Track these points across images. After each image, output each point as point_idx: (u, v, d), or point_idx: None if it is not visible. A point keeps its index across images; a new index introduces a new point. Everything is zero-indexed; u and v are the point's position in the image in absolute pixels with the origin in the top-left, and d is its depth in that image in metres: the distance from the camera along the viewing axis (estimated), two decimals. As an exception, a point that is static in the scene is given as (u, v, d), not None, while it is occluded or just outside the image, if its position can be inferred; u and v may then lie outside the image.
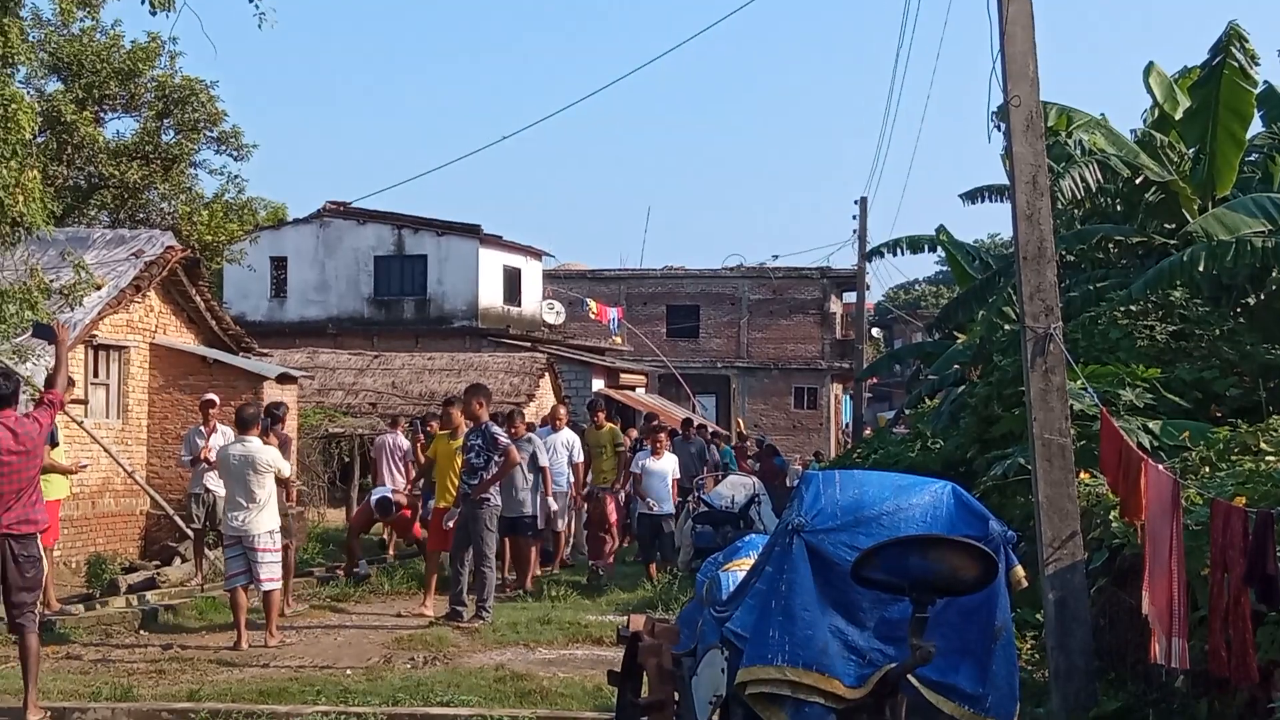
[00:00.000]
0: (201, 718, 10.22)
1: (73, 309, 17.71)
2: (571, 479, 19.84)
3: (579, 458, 19.82)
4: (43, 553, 10.72)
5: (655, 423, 23.09)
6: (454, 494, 15.59)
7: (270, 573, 13.91)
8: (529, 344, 42.15)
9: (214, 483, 17.40)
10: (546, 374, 34.78)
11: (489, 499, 15.07)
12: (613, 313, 51.93)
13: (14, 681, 11.20)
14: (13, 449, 9.94)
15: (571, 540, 21.20)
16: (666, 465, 19.16)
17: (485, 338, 42.33)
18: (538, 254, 47.57)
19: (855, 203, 47.82)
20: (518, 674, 11.90)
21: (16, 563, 10.02)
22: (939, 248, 29.16)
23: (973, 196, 25.70)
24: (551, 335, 46.82)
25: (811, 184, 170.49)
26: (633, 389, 46.79)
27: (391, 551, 21.20)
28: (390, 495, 19.03)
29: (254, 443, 14.06)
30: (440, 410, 17.54)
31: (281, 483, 14.42)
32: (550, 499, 18.55)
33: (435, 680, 11.61)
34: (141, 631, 14.79)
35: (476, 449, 15.09)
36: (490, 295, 43.66)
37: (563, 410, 20.86)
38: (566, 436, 19.91)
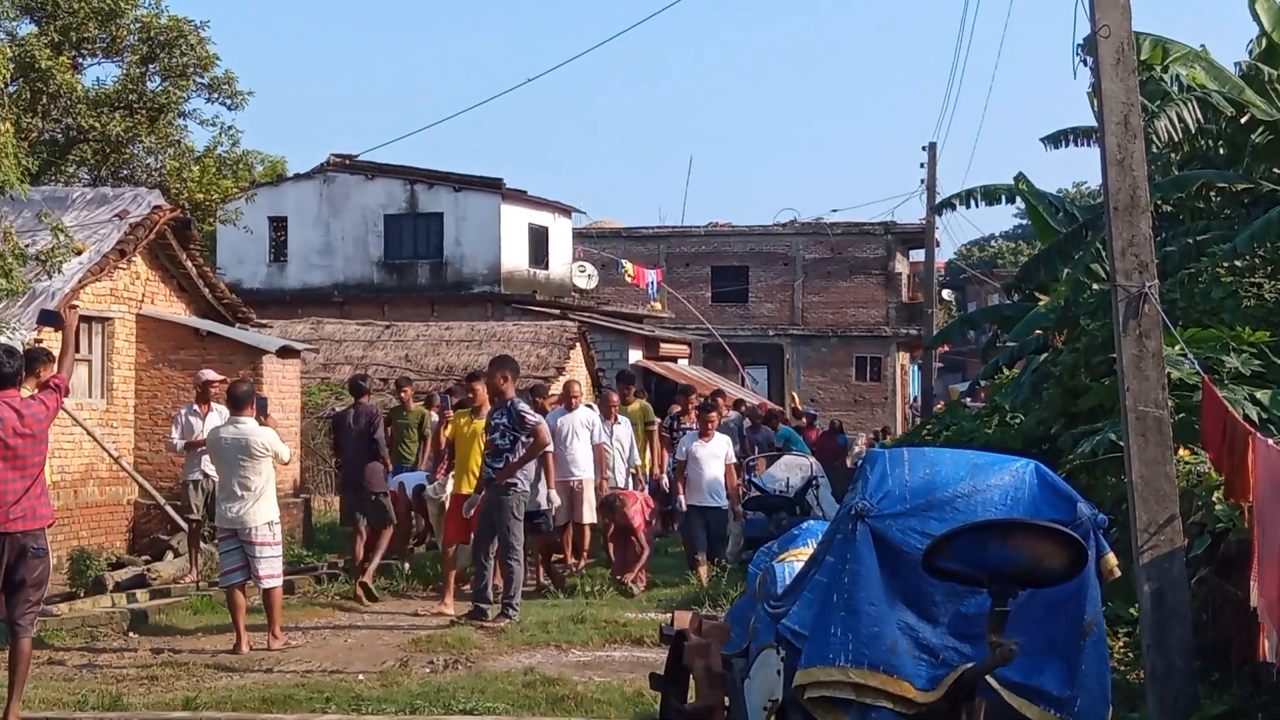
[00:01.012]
0: (198, 728, 10.27)
1: (50, 276, 17.83)
2: (596, 463, 19.10)
3: (601, 438, 19.04)
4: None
5: (694, 396, 22.85)
6: (475, 479, 15.64)
7: (270, 568, 13.97)
8: (558, 311, 42.19)
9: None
10: (578, 344, 34.78)
11: (515, 484, 15.08)
12: (651, 275, 51.91)
13: (-7, 690, 11.32)
14: (20, 431, 10.03)
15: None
16: (719, 448, 18.49)
17: (509, 304, 42.40)
18: (567, 210, 47.58)
19: (923, 149, 47.51)
20: (549, 678, 11.93)
21: (26, 558, 10.11)
22: (1017, 198, 28.98)
23: (1056, 140, 25.51)
24: (583, 301, 46.89)
25: (874, 129, 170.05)
26: (674, 360, 46.82)
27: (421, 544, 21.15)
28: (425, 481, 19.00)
29: (248, 424, 14.10)
30: (461, 386, 17.62)
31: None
32: (552, 491, 16.44)
33: (457, 686, 11.64)
34: (131, 633, 14.89)
35: (502, 429, 15.09)
36: (514, 257, 43.70)
37: (577, 386, 19.88)
38: (584, 416, 19.10)
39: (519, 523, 15.16)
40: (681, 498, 18.51)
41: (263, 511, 13.92)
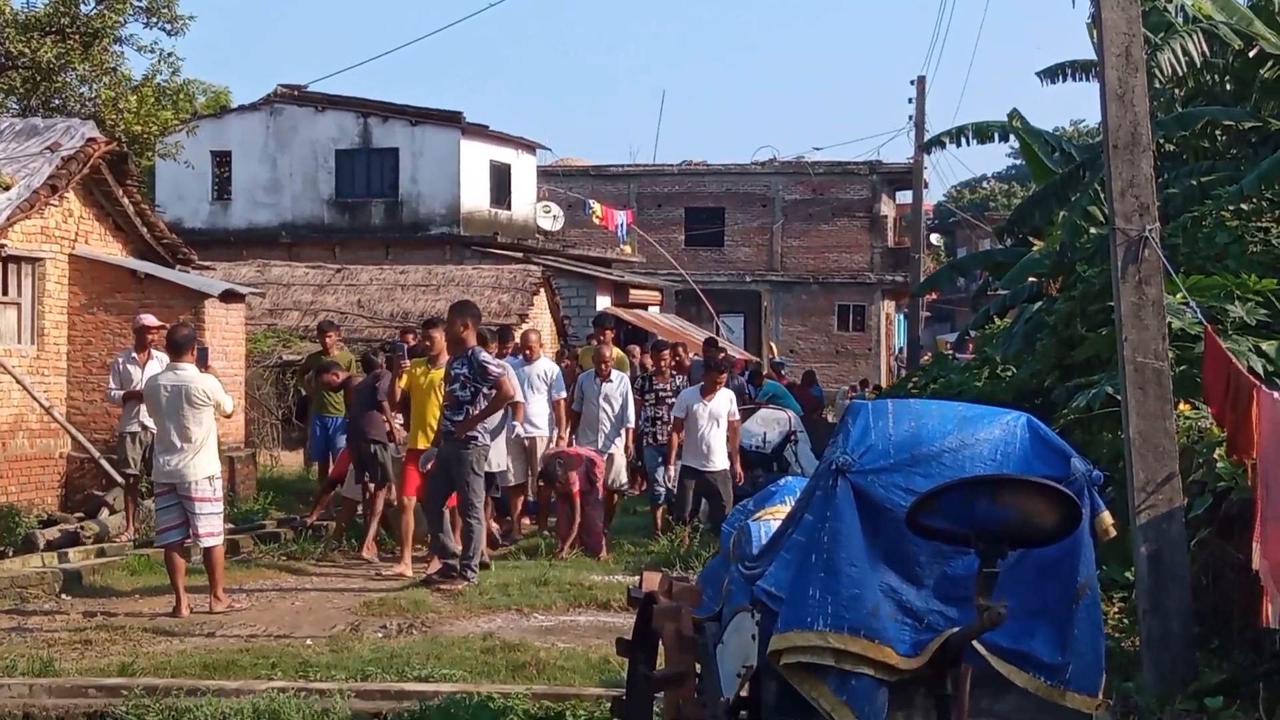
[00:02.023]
0: (136, 695, 10.27)
1: (-24, 213, 17.71)
2: (553, 420, 19.20)
3: (560, 393, 19.13)
4: None
5: (671, 351, 22.24)
6: (433, 433, 15.63)
7: (210, 525, 13.95)
8: (521, 254, 42.07)
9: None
10: (542, 290, 34.71)
11: (476, 438, 15.08)
12: (621, 216, 51.83)
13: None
14: None
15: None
16: (721, 407, 18.27)
17: (468, 247, 42.27)
18: (531, 147, 47.43)
19: (911, 83, 47.46)
20: (509, 644, 11.99)
21: None
22: (1011, 136, 28.97)
23: (1053, 74, 25.52)
24: (548, 244, 46.76)
25: (859, 62, 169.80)
26: (645, 308, 46.79)
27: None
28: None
29: (188, 370, 14.06)
30: (417, 334, 17.60)
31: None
32: (505, 455, 17.34)
33: (411, 651, 11.69)
34: (63, 595, 14.92)
35: (462, 379, 15.06)
36: (475, 196, 43.58)
37: (535, 335, 19.94)
38: (543, 368, 19.28)
39: (479, 478, 15.17)
40: (669, 467, 18.48)
41: (203, 465, 13.89)
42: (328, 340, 21.66)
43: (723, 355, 22.48)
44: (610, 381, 19.15)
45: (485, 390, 15.01)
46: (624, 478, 19.53)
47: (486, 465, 15.66)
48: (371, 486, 17.85)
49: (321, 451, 20.41)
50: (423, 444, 15.85)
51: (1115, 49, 9.99)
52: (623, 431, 19.05)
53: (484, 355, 15.31)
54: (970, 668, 5.92)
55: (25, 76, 29.63)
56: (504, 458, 17.48)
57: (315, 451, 20.99)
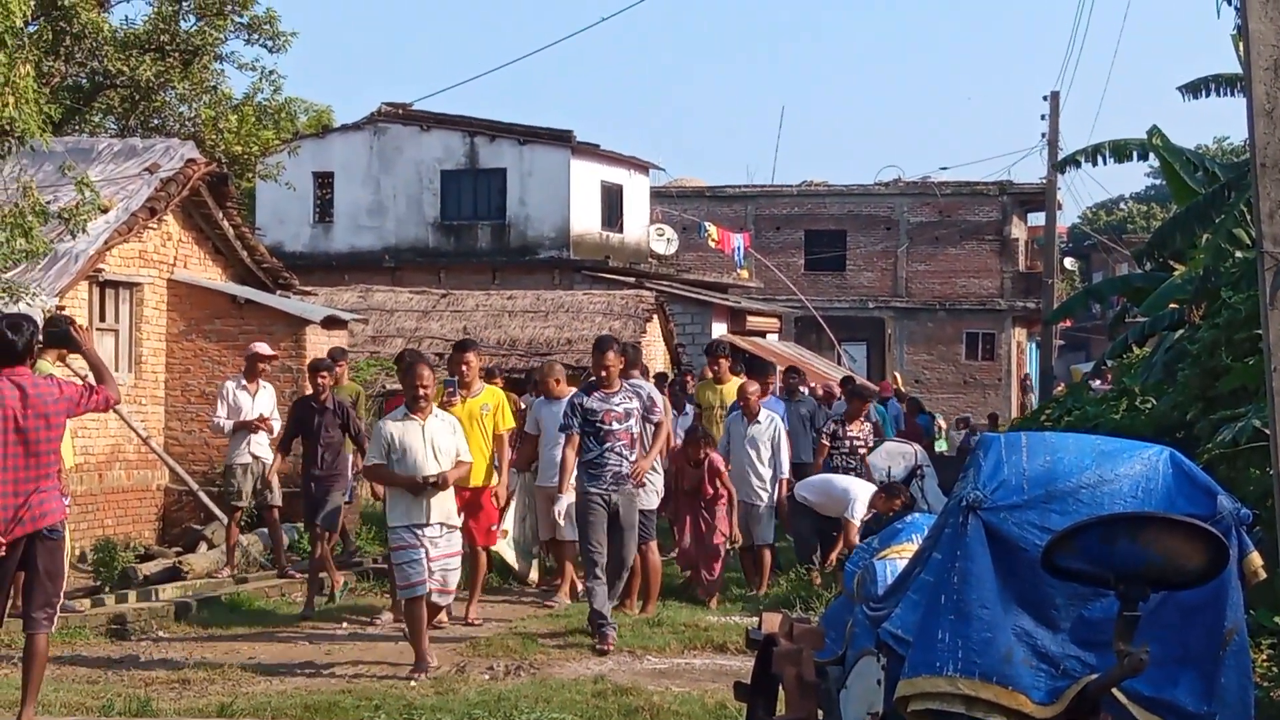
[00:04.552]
0: (234, 736, 10.36)
1: (74, 236, 18.00)
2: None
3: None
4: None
5: (774, 377, 21.65)
6: (487, 468, 15.30)
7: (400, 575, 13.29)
8: (633, 279, 42.20)
9: (265, 449, 17.75)
10: (655, 316, 34.81)
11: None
12: (738, 240, 51.85)
13: (8, 692, 11.46)
14: (25, 411, 9.95)
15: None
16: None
17: (579, 271, 42.45)
18: (644, 167, 47.58)
19: (1044, 99, 47.18)
20: (621, 687, 11.97)
21: (38, 542, 10.14)
22: (1150, 155, 28.76)
23: (1195, 89, 25.34)
24: (661, 268, 46.89)
25: (989, 77, 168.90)
26: (763, 335, 46.79)
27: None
28: None
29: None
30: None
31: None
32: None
33: (519, 694, 11.70)
34: (161, 632, 15.07)
35: (635, 415, 14.62)
36: (585, 219, 43.76)
37: (559, 368, 17.75)
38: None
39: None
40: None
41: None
42: (338, 370, 19.48)
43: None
44: (759, 423, 17.92)
45: (652, 422, 14.95)
46: (770, 535, 18.18)
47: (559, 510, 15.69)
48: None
49: None
50: (474, 482, 14.95)
51: (1263, 62, 9.89)
52: (777, 483, 17.94)
53: (649, 385, 15.20)
54: (1110, 717, 5.87)
55: (124, 96, 30.11)
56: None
57: None
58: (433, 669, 12.70)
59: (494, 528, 15.92)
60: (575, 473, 14.54)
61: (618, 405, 14.37)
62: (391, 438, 13.00)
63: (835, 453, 19.10)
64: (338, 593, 16.49)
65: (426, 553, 12.82)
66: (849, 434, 19.21)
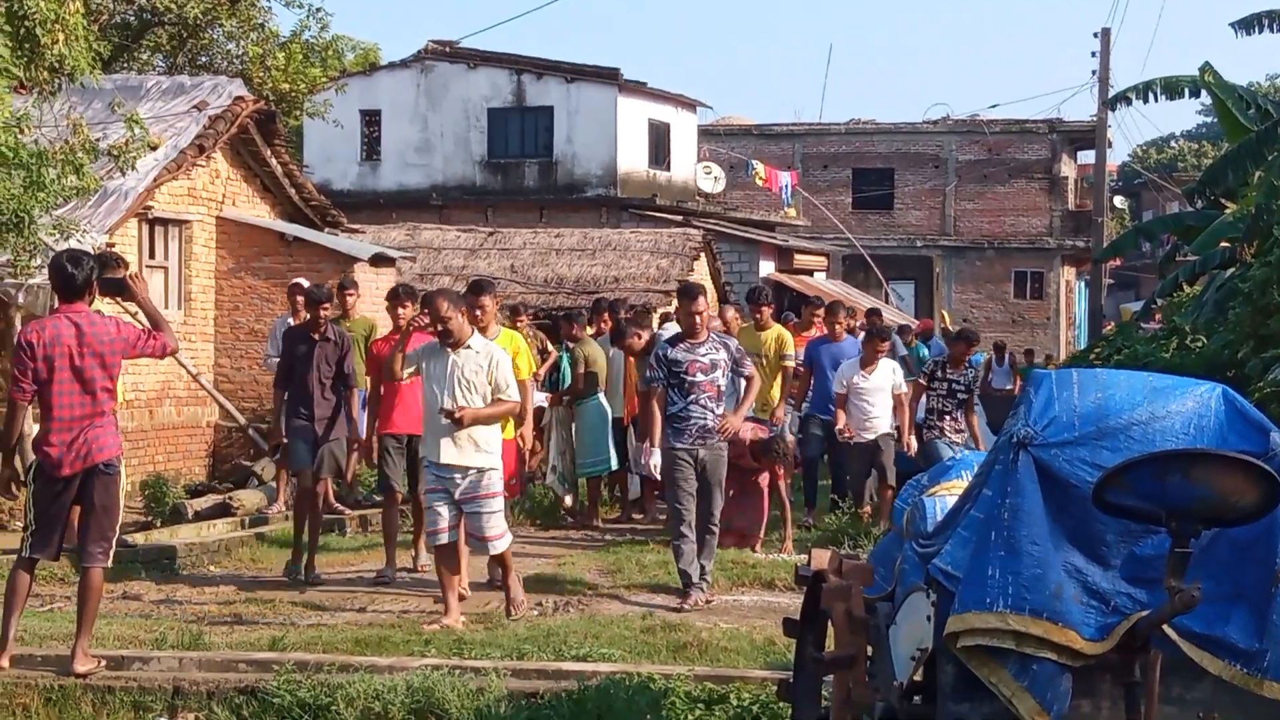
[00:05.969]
0: (287, 670, 10.37)
1: (124, 174, 18.05)
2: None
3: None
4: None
5: (860, 321, 21.02)
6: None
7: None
8: (680, 217, 42.14)
9: None
10: (702, 255, 34.73)
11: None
12: (785, 178, 51.70)
13: (63, 624, 11.59)
14: (80, 349, 10.08)
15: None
16: (883, 380, 17.63)
17: (626, 209, 42.42)
18: (691, 105, 47.44)
19: (1094, 35, 46.82)
20: (670, 624, 12.01)
21: (94, 477, 10.26)
22: (1203, 92, 28.56)
23: (1248, 25, 25.13)
24: (708, 206, 46.77)
25: (1038, 13, 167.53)
26: (810, 273, 46.70)
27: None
28: None
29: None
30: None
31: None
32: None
33: (568, 630, 11.73)
34: (212, 567, 15.18)
35: (722, 366, 13.82)
36: (632, 157, 43.67)
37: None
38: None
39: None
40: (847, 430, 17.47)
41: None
42: (347, 301, 18.34)
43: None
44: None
45: (743, 376, 14.05)
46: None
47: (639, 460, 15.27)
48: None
49: None
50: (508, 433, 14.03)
51: (1319, -3, 9.80)
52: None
53: (730, 338, 14.70)
54: (1160, 654, 5.86)
55: (171, 33, 30.21)
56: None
57: None
58: (466, 616, 12.35)
59: (512, 480, 14.53)
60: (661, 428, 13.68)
61: (704, 356, 13.56)
62: (420, 365, 12.47)
63: (932, 393, 18.39)
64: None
65: (449, 494, 12.25)
66: (948, 376, 18.41)
